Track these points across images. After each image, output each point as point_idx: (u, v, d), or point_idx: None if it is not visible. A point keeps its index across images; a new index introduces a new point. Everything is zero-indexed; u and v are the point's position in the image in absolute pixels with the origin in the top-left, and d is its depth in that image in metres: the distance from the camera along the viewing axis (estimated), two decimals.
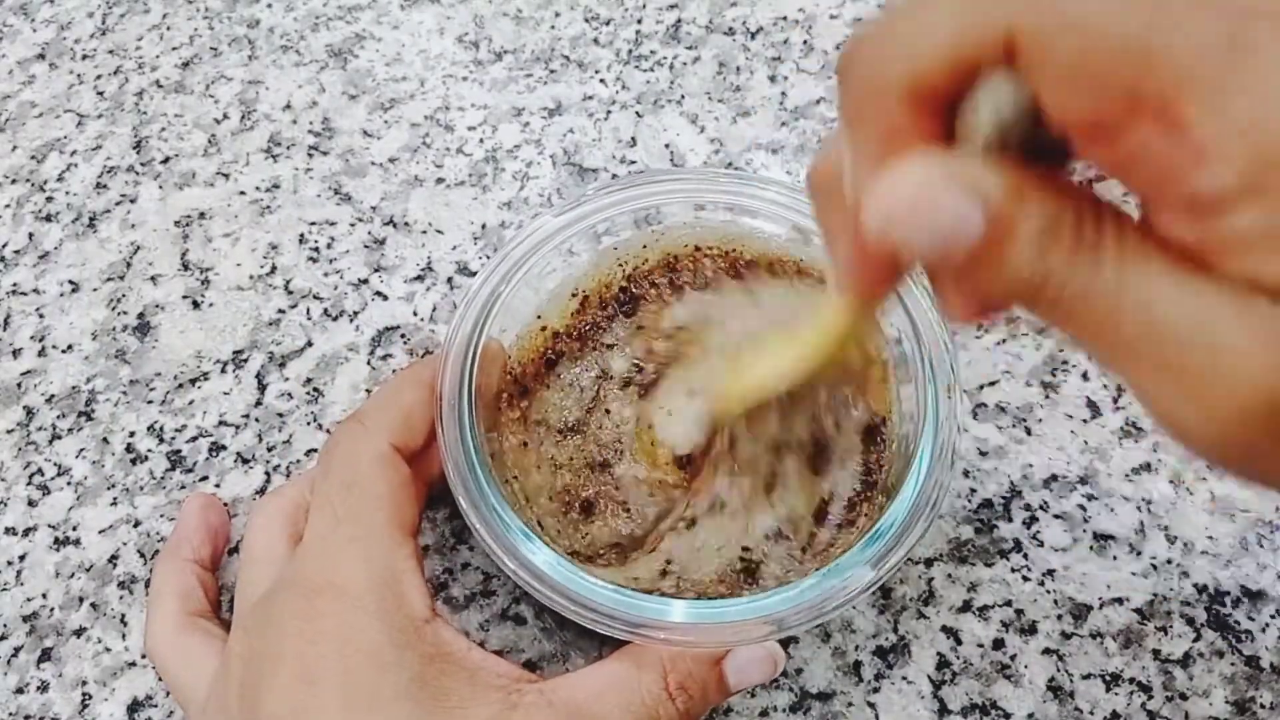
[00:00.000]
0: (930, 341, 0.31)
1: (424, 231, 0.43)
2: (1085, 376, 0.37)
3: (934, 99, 0.17)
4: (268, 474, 0.38)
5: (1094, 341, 0.17)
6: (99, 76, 0.49)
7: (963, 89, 0.17)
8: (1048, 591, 0.34)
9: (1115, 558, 0.34)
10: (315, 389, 0.39)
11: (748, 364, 0.30)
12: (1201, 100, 0.15)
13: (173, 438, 0.39)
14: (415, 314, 0.41)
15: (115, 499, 0.38)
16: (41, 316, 0.42)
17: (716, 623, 0.27)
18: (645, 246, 0.36)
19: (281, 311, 0.41)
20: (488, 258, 0.42)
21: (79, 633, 0.35)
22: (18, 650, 0.35)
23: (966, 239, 0.17)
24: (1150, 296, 0.16)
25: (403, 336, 0.40)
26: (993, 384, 0.37)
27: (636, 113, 0.45)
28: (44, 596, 0.36)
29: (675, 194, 0.34)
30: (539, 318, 0.35)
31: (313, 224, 0.43)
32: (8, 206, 0.45)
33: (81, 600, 0.36)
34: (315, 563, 0.28)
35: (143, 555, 0.36)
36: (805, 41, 0.47)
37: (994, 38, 0.16)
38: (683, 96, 0.46)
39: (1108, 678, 0.32)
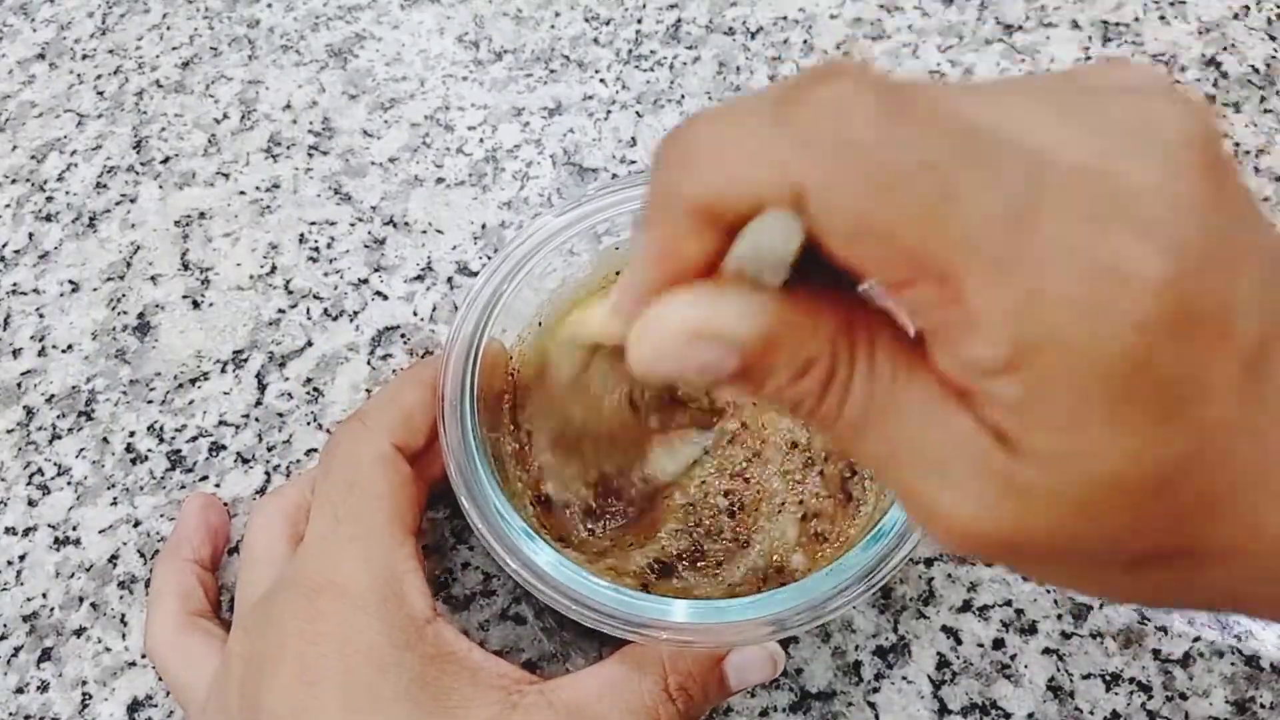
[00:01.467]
0: None
1: (424, 231, 0.43)
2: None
3: (719, 221, 0.18)
4: (268, 474, 0.38)
5: (847, 449, 0.19)
6: (99, 76, 0.49)
7: (749, 217, 0.17)
8: (1048, 591, 0.34)
9: None
10: (315, 389, 0.39)
11: (578, 314, 0.30)
12: (979, 273, 0.15)
13: (173, 438, 0.39)
14: (415, 314, 0.41)
15: (115, 499, 0.38)
16: (41, 316, 0.42)
17: (717, 623, 0.27)
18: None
19: (281, 311, 0.41)
20: (488, 258, 0.42)
21: (79, 633, 0.35)
22: (18, 650, 0.35)
23: (723, 374, 0.18)
24: (894, 431, 0.17)
25: (403, 336, 0.40)
26: None
27: (637, 112, 0.45)
28: (44, 596, 0.36)
29: None
30: (551, 314, 0.35)
31: (313, 224, 0.43)
32: (8, 206, 0.45)
33: (81, 600, 0.36)
34: (316, 562, 0.28)
35: (143, 555, 0.36)
36: (805, 41, 0.47)
37: (782, 184, 0.16)
38: (683, 96, 0.46)
39: (1108, 677, 0.32)
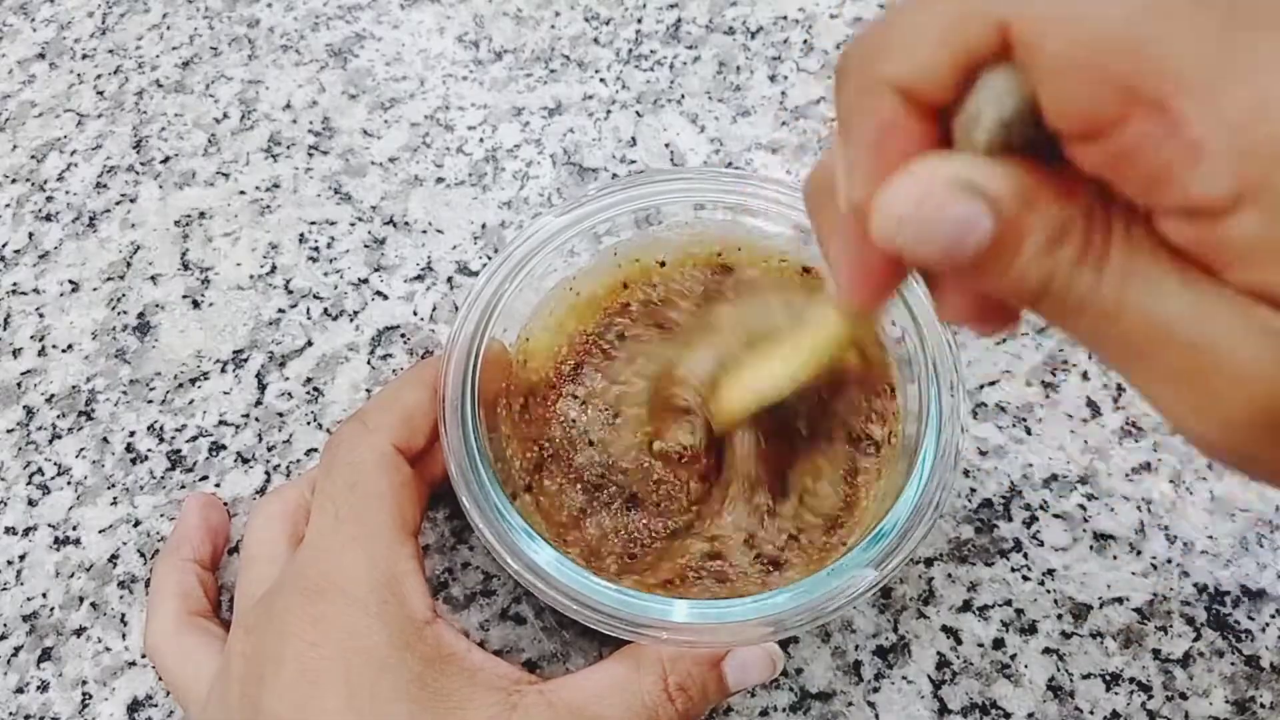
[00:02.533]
0: (933, 341, 0.31)
1: (424, 231, 0.43)
2: (1085, 376, 0.37)
3: (929, 98, 0.17)
4: (268, 474, 0.38)
5: (1098, 345, 0.17)
6: (99, 76, 0.49)
7: (958, 89, 0.17)
8: (1048, 591, 0.34)
9: (1115, 557, 0.34)
10: (315, 388, 0.39)
11: (747, 371, 0.30)
12: (1197, 95, 0.14)
13: (173, 437, 0.39)
14: (415, 314, 0.41)
15: (115, 499, 0.38)
16: (41, 316, 0.42)
17: (719, 623, 0.27)
18: (661, 257, 0.36)
19: (281, 311, 0.41)
20: (489, 257, 0.42)
21: (79, 632, 0.35)
22: (18, 650, 0.35)
23: (974, 244, 0.17)
24: (1154, 303, 0.16)
25: (403, 336, 0.40)
26: (993, 383, 0.37)
27: (636, 112, 0.45)
28: (44, 596, 0.36)
29: (676, 194, 0.34)
30: (551, 314, 0.35)
31: (313, 224, 0.43)
32: (8, 206, 0.45)
33: (81, 600, 0.36)
34: (316, 563, 0.28)
35: (143, 555, 0.36)
36: (805, 41, 0.47)
37: (988, 33, 0.16)
38: (683, 96, 0.46)
39: (1108, 677, 0.32)
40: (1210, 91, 0.14)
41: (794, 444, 0.33)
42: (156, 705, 0.34)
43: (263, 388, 0.40)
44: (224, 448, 0.38)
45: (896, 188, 0.17)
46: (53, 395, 0.40)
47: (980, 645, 0.33)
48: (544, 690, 0.27)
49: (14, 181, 0.46)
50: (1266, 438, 0.16)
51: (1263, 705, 0.32)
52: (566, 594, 0.28)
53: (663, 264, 0.36)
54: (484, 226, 0.43)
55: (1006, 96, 0.16)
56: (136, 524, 0.37)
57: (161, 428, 0.39)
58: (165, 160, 0.46)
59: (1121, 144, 0.15)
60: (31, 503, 0.38)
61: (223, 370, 0.40)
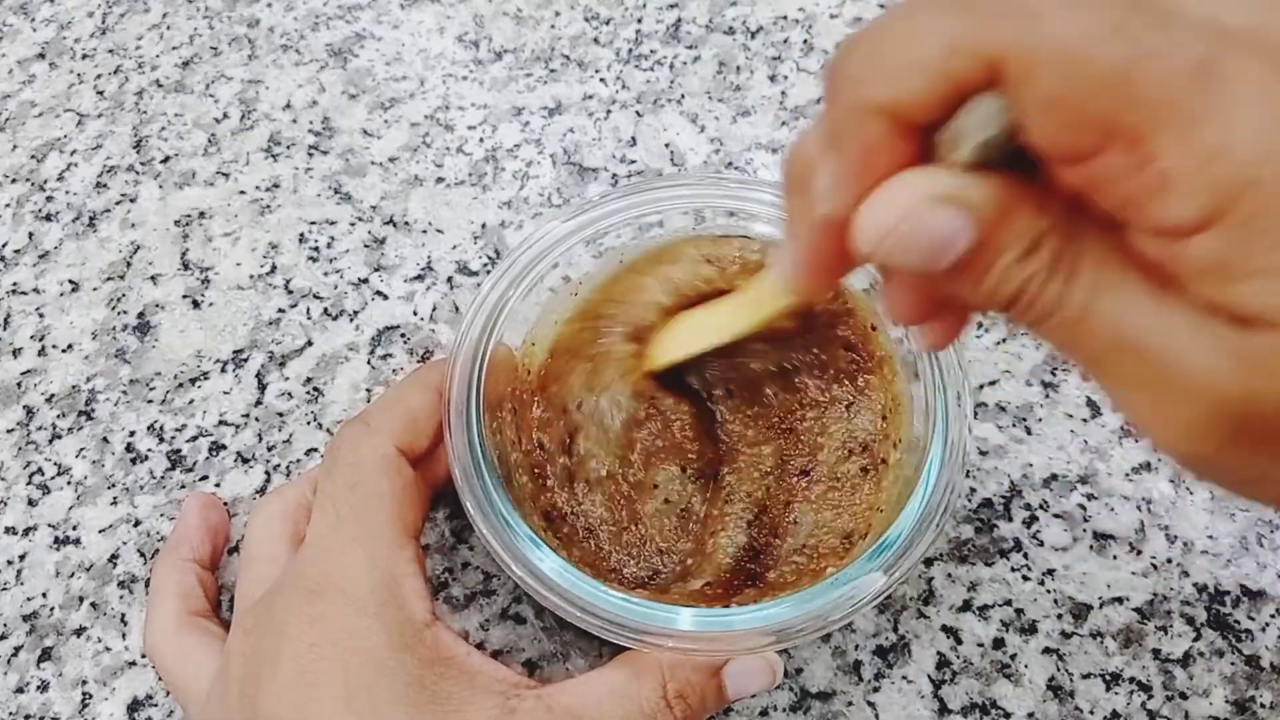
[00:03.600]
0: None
1: (424, 231, 0.43)
2: (1085, 376, 0.37)
3: (914, 120, 0.18)
4: (268, 473, 0.38)
5: (1067, 349, 0.18)
6: (99, 76, 0.49)
7: (944, 112, 0.17)
8: (1048, 591, 0.34)
9: (1115, 557, 0.34)
10: (315, 388, 0.39)
11: (686, 320, 0.32)
12: (1170, 130, 0.15)
13: (173, 437, 0.39)
14: (415, 313, 0.41)
15: (115, 498, 0.38)
16: (41, 316, 0.42)
17: (723, 631, 0.27)
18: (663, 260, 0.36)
19: (281, 311, 0.41)
20: (489, 258, 0.42)
21: (79, 632, 0.35)
22: (18, 650, 0.35)
23: (953, 252, 0.18)
24: (1119, 312, 0.17)
25: (403, 336, 0.40)
26: (993, 383, 0.37)
27: (636, 112, 0.45)
28: (44, 596, 0.36)
29: (680, 200, 0.34)
30: (556, 319, 0.35)
31: (313, 223, 0.43)
32: (8, 206, 0.45)
33: (81, 600, 0.36)
34: (317, 564, 0.28)
35: (143, 555, 0.36)
36: (805, 41, 0.47)
37: (977, 66, 0.16)
38: (683, 96, 0.46)
39: (1108, 677, 0.32)
40: (1183, 126, 0.15)
41: (791, 470, 0.33)
42: (156, 705, 0.34)
43: (263, 388, 0.40)
44: (224, 448, 0.38)
45: (880, 202, 0.18)
46: (53, 395, 0.40)
47: (980, 645, 0.33)
48: (542, 695, 0.27)
49: (14, 181, 0.46)
50: (1225, 442, 0.17)
51: (1263, 705, 0.32)
52: (570, 600, 0.28)
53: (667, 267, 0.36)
54: (484, 226, 0.43)
55: (991, 121, 0.17)
56: (136, 524, 0.37)
57: (161, 428, 0.39)
58: (165, 160, 0.46)
59: (1098, 170, 0.16)
60: (31, 503, 0.38)
61: (223, 370, 0.40)
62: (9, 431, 0.39)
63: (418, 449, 0.31)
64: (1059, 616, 0.33)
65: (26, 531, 0.37)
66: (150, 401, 0.40)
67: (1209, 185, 0.15)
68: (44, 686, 0.34)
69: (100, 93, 0.48)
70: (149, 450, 0.38)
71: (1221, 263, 0.15)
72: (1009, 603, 0.34)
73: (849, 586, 0.27)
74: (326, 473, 0.30)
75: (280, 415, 0.39)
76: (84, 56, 0.50)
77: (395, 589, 0.28)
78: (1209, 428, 0.16)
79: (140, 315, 0.42)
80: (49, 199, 0.45)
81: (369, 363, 0.40)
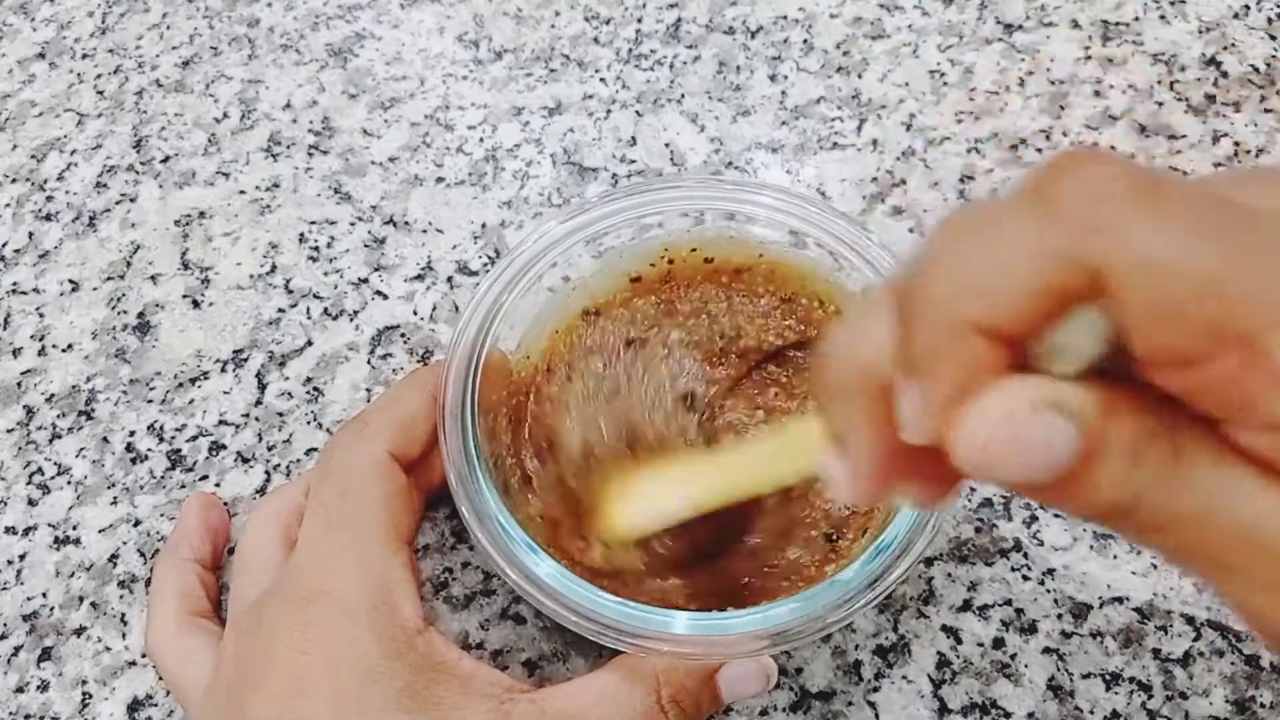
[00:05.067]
0: None
1: (424, 231, 0.43)
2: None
3: (1011, 337, 0.17)
4: (268, 473, 0.38)
5: (1185, 557, 0.17)
6: (99, 76, 0.49)
7: (1042, 325, 0.17)
8: (1048, 591, 0.34)
9: (1115, 557, 0.34)
10: (315, 388, 0.39)
11: (718, 474, 0.30)
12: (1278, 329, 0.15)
13: (173, 437, 0.39)
14: (415, 313, 0.41)
15: (115, 498, 0.38)
16: (41, 316, 0.42)
17: (719, 635, 0.27)
18: (657, 260, 0.36)
19: (281, 311, 0.41)
20: (489, 258, 0.42)
21: (79, 632, 0.35)
22: (18, 649, 0.35)
23: (1060, 461, 0.17)
24: (1242, 511, 0.16)
25: (403, 336, 0.40)
26: None
27: (636, 112, 0.45)
28: (44, 596, 0.36)
29: (678, 201, 0.34)
30: (551, 322, 0.35)
31: (313, 223, 0.43)
32: (8, 206, 0.45)
33: (81, 599, 0.36)
34: (307, 569, 0.28)
35: (143, 554, 0.36)
36: (805, 41, 0.47)
37: (1078, 278, 0.16)
38: (683, 96, 0.46)
39: (1108, 677, 0.32)
40: None
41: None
42: (156, 705, 0.34)
43: (263, 387, 0.40)
44: (224, 447, 0.38)
45: (982, 412, 0.17)
46: (53, 395, 0.40)
47: (980, 645, 0.33)
48: (535, 699, 0.27)
49: (14, 181, 0.46)
50: None
51: (1263, 705, 0.32)
52: (565, 605, 0.27)
53: (667, 266, 0.36)
54: (484, 226, 0.43)
55: (1094, 334, 0.17)
56: (136, 524, 0.37)
57: (161, 427, 0.39)
58: (165, 160, 0.46)
59: (1208, 374, 0.16)
60: (31, 502, 0.38)
61: (223, 370, 0.40)
62: (9, 431, 0.39)
63: (412, 453, 0.31)
64: (1059, 616, 0.33)
65: (26, 531, 0.37)
66: (150, 401, 0.40)
67: None
68: (44, 686, 0.34)
69: (100, 92, 0.48)
70: (149, 450, 0.38)
71: None
72: (1009, 602, 0.34)
73: (845, 589, 0.27)
74: (319, 478, 0.30)
75: (280, 415, 0.39)
76: (84, 56, 0.50)
77: (387, 595, 0.28)
78: None
79: (140, 315, 0.42)
80: (49, 199, 0.45)
81: (369, 363, 0.40)
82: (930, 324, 0.17)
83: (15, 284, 0.43)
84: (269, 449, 0.38)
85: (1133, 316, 0.16)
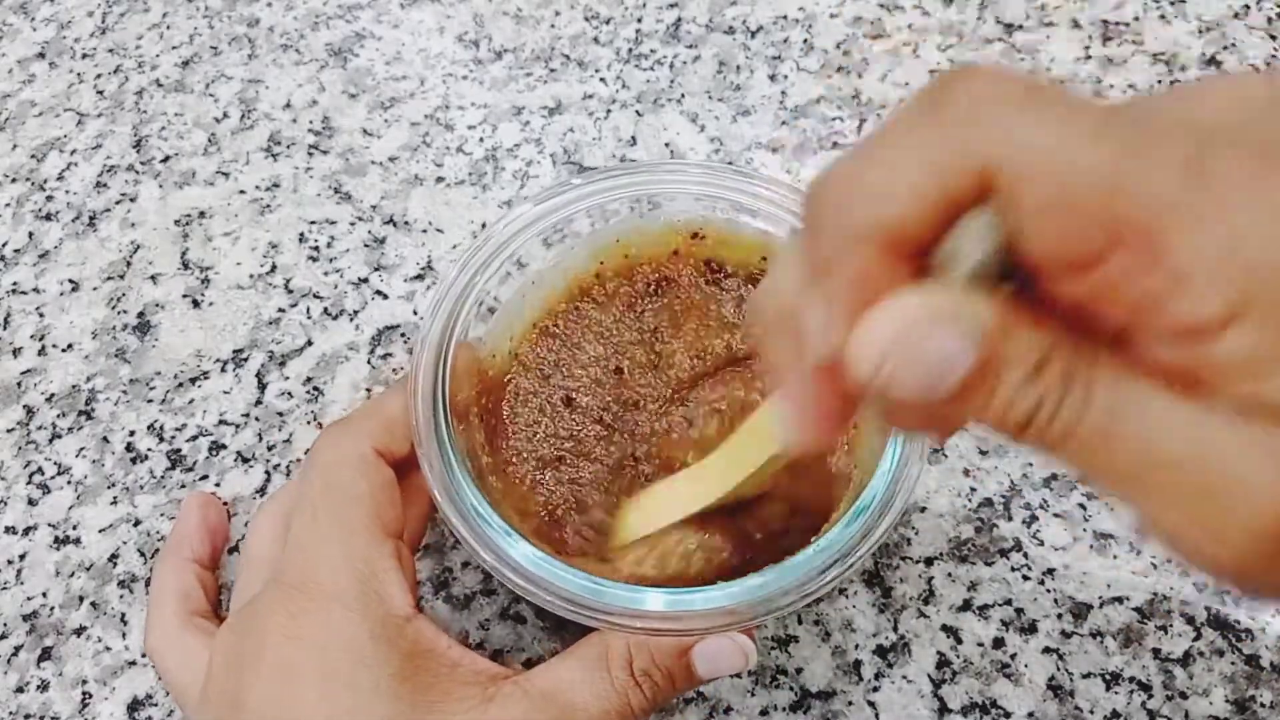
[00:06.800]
0: None
1: (424, 230, 0.43)
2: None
3: (908, 244, 0.17)
4: (268, 473, 0.38)
5: (1089, 471, 0.17)
6: (99, 75, 0.49)
7: (937, 230, 0.17)
8: (1048, 590, 0.34)
9: (1115, 556, 0.34)
10: (315, 388, 0.39)
11: (679, 486, 0.30)
12: (1177, 226, 0.15)
13: (173, 437, 0.39)
14: (415, 313, 0.41)
15: (115, 498, 0.38)
16: (41, 315, 0.42)
17: (690, 611, 0.27)
18: (632, 252, 0.35)
19: (281, 310, 0.41)
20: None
21: (79, 632, 0.35)
22: (18, 649, 0.35)
23: (955, 375, 0.16)
24: (1146, 426, 0.16)
25: (403, 335, 0.40)
26: None
27: (636, 111, 0.45)
28: (44, 595, 0.36)
29: (637, 186, 0.34)
30: (524, 316, 0.35)
31: (313, 223, 0.43)
32: (8, 205, 0.45)
33: (81, 599, 0.36)
34: (295, 561, 0.29)
35: (143, 554, 0.36)
36: (805, 40, 0.47)
37: (969, 179, 0.16)
38: (683, 95, 0.46)
39: (1108, 677, 0.32)
40: (1187, 223, 0.15)
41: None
42: (156, 705, 0.34)
43: (263, 387, 0.40)
44: (224, 447, 0.38)
45: (875, 324, 0.17)
46: (53, 395, 0.40)
47: (980, 645, 0.33)
48: (519, 681, 0.28)
49: (14, 181, 0.46)
50: (1276, 554, 0.15)
51: (1263, 705, 0.32)
52: (540, 585, 0.28)
53: (623, 258, 0.36)
54: (484, 226, 0.43)
55: (986, 236, 0.16)
56: (136, 523, 0.37)
57: (161, 427, 0.39)
58: (165, 160, 0.46)
59: (1105, 276, 0.15)
60: (31, 502, 0.38)
61: (223, 370, 0.40)
62: (9, 431, 0.39)
63: (398, 450, 0.31)
64: (1059, 616, 0.33)
65: (26, 531, 0.37)
66: (150, 401, 0.40)
67: (1229, 278, 0.14)
68: (44, 686, 0.34)
69: (100, 92, 0.48)
70: (149, 450, 0.38)
71: (1255, 357, 0.15)
72: (1009, 602, 0.34)
73: (828, 554, 0.27)
74: (305, 475, 0.31)
75: (280, 415, 0.39)
76: (84, 56, 0.50)
77: (374, 583, 0.28)
78: (1260, 539, 0.15)
79: (140, 315, 0.42)
80: (49, 198, 0.45)
81: (369, 362, 0.40)
82: (829, 233, 0.17)
83: (15, 284, 0.43)
84: (269, 449, 0.38)
85: (1025, 214, 0.16)
